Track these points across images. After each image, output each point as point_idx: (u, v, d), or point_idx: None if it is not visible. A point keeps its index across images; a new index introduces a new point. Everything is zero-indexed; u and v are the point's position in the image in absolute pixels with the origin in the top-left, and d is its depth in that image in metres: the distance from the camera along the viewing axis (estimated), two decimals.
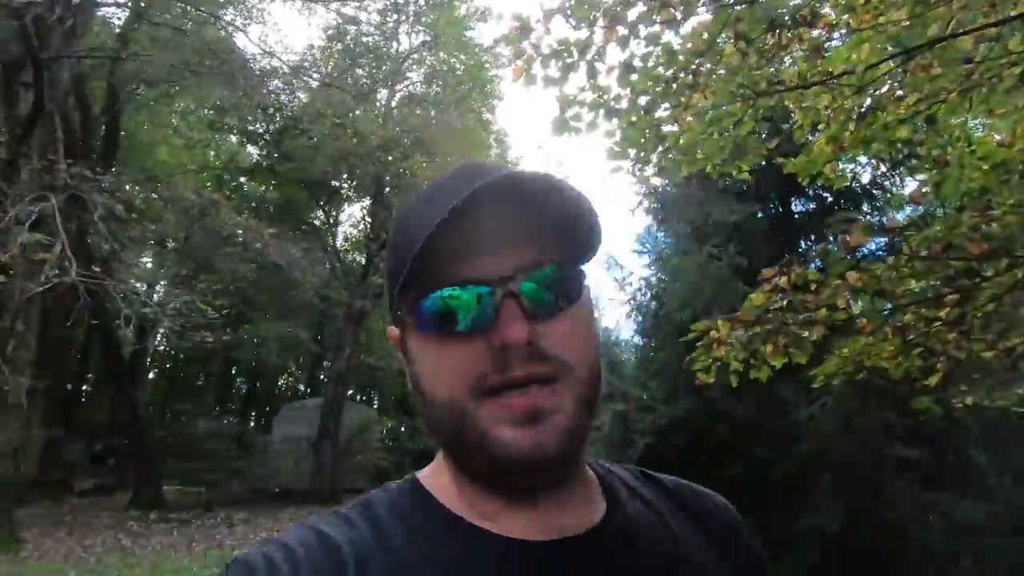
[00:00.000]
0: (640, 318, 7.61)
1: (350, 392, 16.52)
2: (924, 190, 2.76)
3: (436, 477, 0.58)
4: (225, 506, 13.43)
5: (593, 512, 0.56)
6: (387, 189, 15.82)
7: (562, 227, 0.53)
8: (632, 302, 7.44)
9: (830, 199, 6.94)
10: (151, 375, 29.46)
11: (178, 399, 26.55)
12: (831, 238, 7.06)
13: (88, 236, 9.96)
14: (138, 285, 9.96)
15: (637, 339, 8.37)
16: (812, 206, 7.27)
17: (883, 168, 7.04)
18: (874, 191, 7.07)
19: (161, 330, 12.27)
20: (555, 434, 0.49)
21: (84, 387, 26.16)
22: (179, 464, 14.23)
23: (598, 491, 0.59)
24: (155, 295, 10.44)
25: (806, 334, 2.27)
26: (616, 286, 7.37)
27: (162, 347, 25.54)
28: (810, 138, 3.74)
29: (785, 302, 2.28)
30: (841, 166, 3.84)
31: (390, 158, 14.28)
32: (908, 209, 6.18)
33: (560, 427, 0.49)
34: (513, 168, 0.53)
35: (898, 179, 7.22)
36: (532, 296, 0.50)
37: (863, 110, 3.13)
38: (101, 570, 7.39)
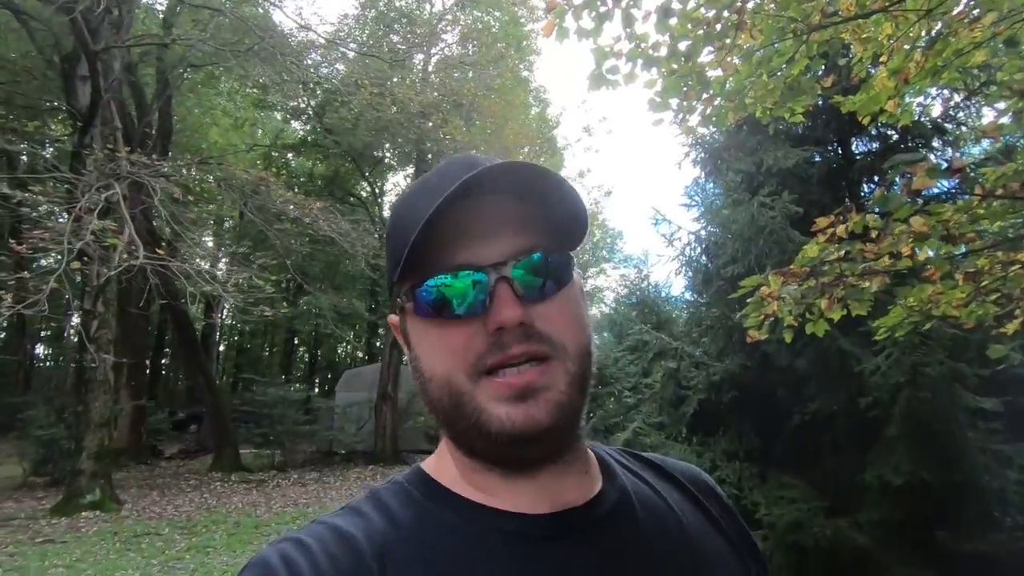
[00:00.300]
0: (690, 273, 7.40)
1: (406, 358, 17.00)
2: (1002, 121, 2.50)
3: (439, 464, 0.60)
4: (297, 468, 14.31)
5: (591, 485, 0.59)
6: (428, 156, 15.83)
7: (550, 216, 0.56)
8: (681, 257, 7.23)
9: (895, 137, 6.44)
10: (221, 348, 31.32)
11: (246, 370, 28.11)
12: (896, 180, 6.62)
13: (153, 220, 10.50)
14: (202, 264, 10.47)
15: (688, 295, 8.17)
16: (875, 146, 6.77)
17: (956, 99, 6.46)
18: (946, 125, 6.51)
19: (226, 306, 12.92)
20: (547, 408, 0.51)
21: (163, 361, 28.12)
22: (253, 430, 15.17)
23: (595, 466, 0.62)
24: (218, 273, 10.96)
25: (865, 285, 2.13)
26: (664, 242, 7.17)
27: (229, 322, 27.00)
28: (871, 72, 3.46)
29: (842, 252, 2.15)
30: (906, 100, 3.54)
31: (429, 124, 14.22)
32: (985, 143, 5.65)
33: (552, 402, 0.52)
34: (504, 160, 0.54)
35: (973, 110, 6.61)
36: (523, 281, 0.53)
37: (932, 36, 2.86)
38: (191, 526, 8.06)
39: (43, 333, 26.40)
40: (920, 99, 3.53)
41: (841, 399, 4.79)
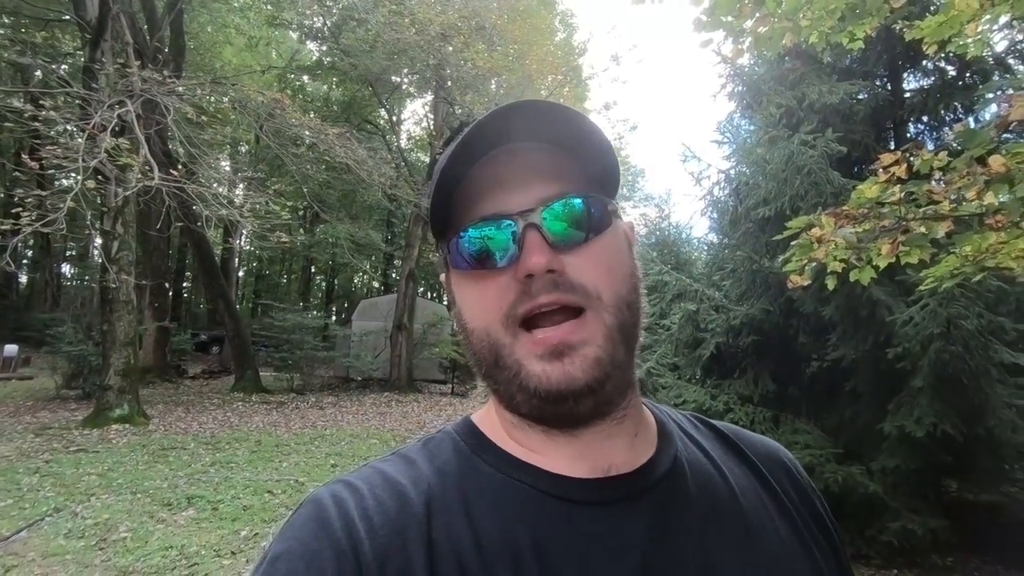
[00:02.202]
0: (715, 214, 7.14)
1: (421, 290, 17.14)
2: None
3: (488, 417, 0.60)
4: (315, 391, 14.79)
5: (644, 451, 0.57)
6: (448, 83, 15.21)
7: (584, 163, 0.55)
8: (708, 197, 6.95)
9: (952, 73, 5.95)
10: (241, 273, 31.82)
11: (265, 295, 28.64)
12: (948, 119, 6.18)
13: (168, 142, 10.33)
14: (218, 187, 10.37)
15: (712, 236, 7.93)
16: (928, 82, 6.29)
17: (1020, 35, 5.89)
18: (1009, 60, 5.98)
19: (244, 231, 12.93)
20: (583, 365, 0.50)
21: (185, 284, 28.71)
22: (272, 354, 15.59)
23: (652, 430, 0.60)
24: (236, 198, 10.87)
25: (928, 231, 1.95)
26: (692, 180, 6.86)
27: (248, 247, 27.25)
28: None
29: (904, 193, 1.96)
30: (980, 28, 3.19)
31: (450, 48, 13.56)
32: None
33: (590, 357, 0.50)
34: (530, 100, 0.51)
35: None
36: (554, 227, 0.52)
37: None
38: (215, 443, 8.41)
39: (68, 253, 26.93)
40: (996, 27, 3.16)
41: (866, 348, 4.68)
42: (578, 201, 0.53)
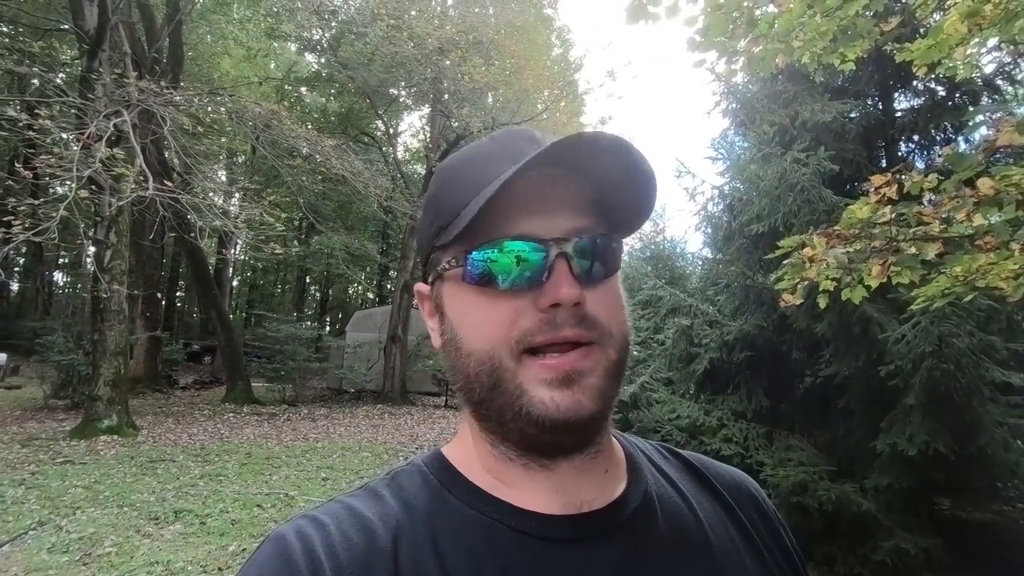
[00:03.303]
0: (710, 230, 7.19)
1: (415, 301, 17.13)
2: None
3: (459, 450, 0.59)
4: (307, 403, 14.67)
5: (615, 486, 0.56)
6: (445, 96, 15.31)
7: (612, 200, 0.54)
8: (703, 212, 6.99)
9: (942, 93, 6.04)
10: (235, 283, 31.69)
11: (259, 306, 28.49)
12: (938, 139, 6.26)
13: (164, 152, 10.33)
14: (214, 197, 10.35)
15: (706, 252, 7.97)
16: (918, 102, 6.38)
17: (1005, 57, 5.98)
18: (998, 82, 6.08)
19: (239, 242, 12.89)
20: (591, 395, 0.50)
21: (178, 293, 28.56)
22: (265, 364, 15.48)
23: (622, 465, 0.59)
24: (230, 208, 10.86)
25: (919, 252, 1.96)
26: (686, 196, 6.90)
27: (242, 257, 27.17)
28: (935, 18, 3.15)
29: (894, 215, 1.97)
30: (968, 51, 3.25)
31: (447, 62, 13.67)
32: None
33: (594, 389, 0.50)
34: (580, 133, 0.49)
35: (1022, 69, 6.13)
36: (582, 262, 0.51)
37: None
38: (205, 455, 8.31)
39: (61, 260, 26.77)
40: (984, 50, 3.22)
41: (859, 365, 4.69)
42: (606, 239, 0.53)
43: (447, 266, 0.54)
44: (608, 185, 0.53)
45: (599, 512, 0.54)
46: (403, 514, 0.52)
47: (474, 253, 0.51)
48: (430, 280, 0.58)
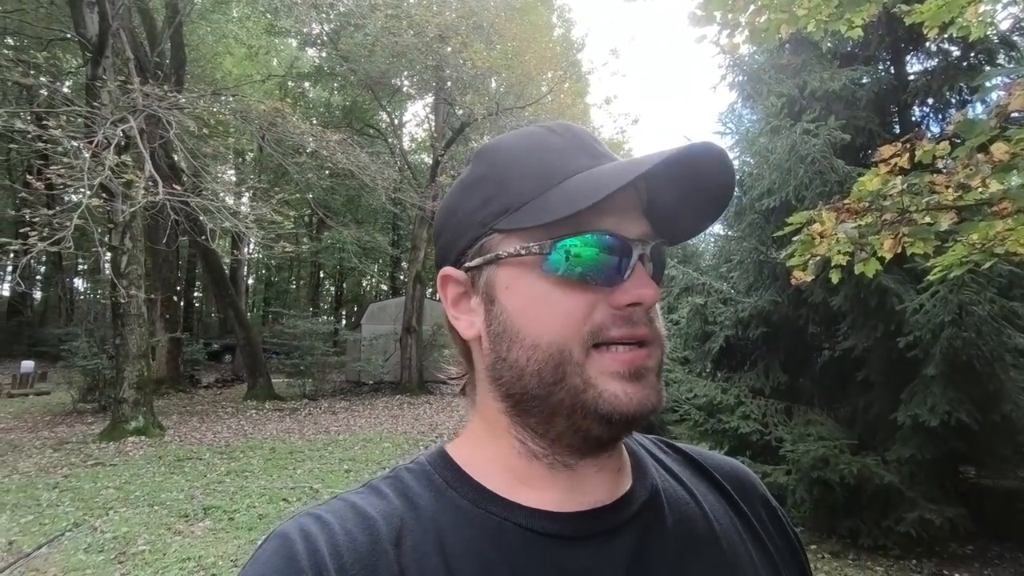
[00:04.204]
0: None
1: (429, 292, 17.16)
2: None
3: (466, 449, 0.58)
4: (327, 397, 14.87)
5: (622, 482, 0.56)
6: (448, 83, 15.20)
7: (677, 211, 0.56)
8: None
9: (956, 54, 5.86)
10: (250, 282, 32.05)
11: (275, 303, 28.81)
12: (953, 101, 6.08)
13: (172, 155, 10.40)
14: (224, 197, 10.43)
15: (718, 228, 7.87)
16: (931, 64, 6.19)
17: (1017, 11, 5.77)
18: (1015, 38, 5.87)
19: (251, 241, 13.00)
20: (655, 391, 0.51)
21: (195, 294, 28.96)
22: (284, 361, 15.68)
23: (627, 462, 0.59)
24: (241, 209, 10.94)
25: (933, 221, 1.91)
26: None
27: (256, 256, 27.43)
28: None
29: (905, 185, 1.92)
30: (982, 8, 3.14)
31: (448, 49, 13.55)
32: None
33: (655, 386, 0.51)
34: (686, 145, 0.49)
35: None
36: (651, 265, 0.54)
37: None
38: (230, 452, 8.48)
39: (80, 267, 27.26)
40: (999, 5, 3.11)
41: (877, 337, 4.63)
42: (665, 247, 0.56)
43: (520, 251, 0.51)
44: (674, 197, 0.55)
45: (608, 508, 0.53)
46: (407, 512, 0.52)
47: (566, 241, 0.50)
48: (471, 264, 0.55)
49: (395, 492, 0.54)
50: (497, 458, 0.55)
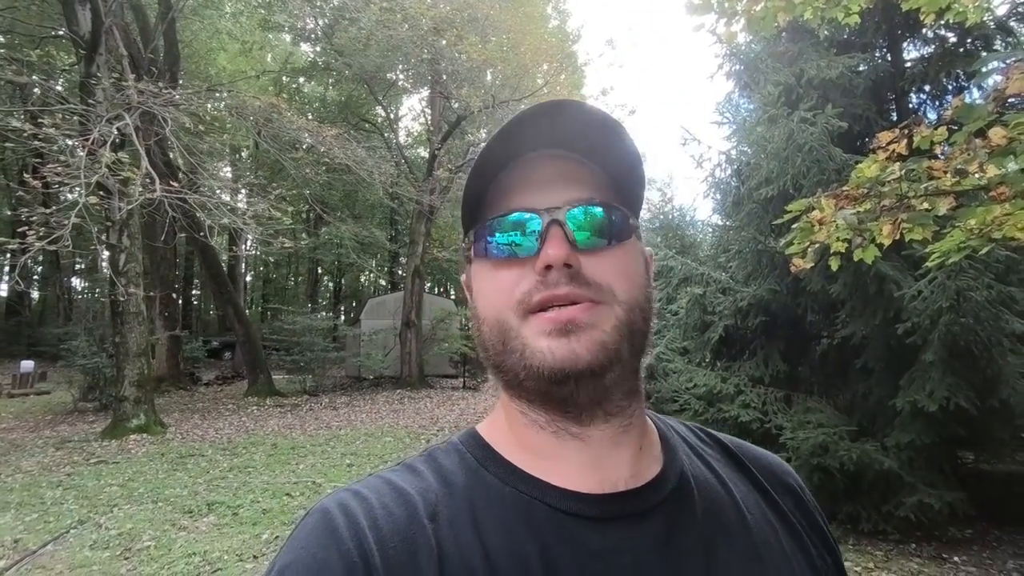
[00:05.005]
0: (719, 196, 7.09)
1: (428, 286, 17.16)
2: None
3: (493, 428, 0.60)
4: (327, 392, 14.90)
5: (651, 466, 0.57)
6: (443, 77, 15.13)
7: (612, 174, 0.58)
8: (710, 179, 6.90)
9: (953, 40, 5.85)
10: (248, 278, 32.01)
11: (273, 299, 28.79)
12: (950, 88, 6.08)
13: (168, 152, 10.36)
14: (220, 194, 10.40)
15: (716, 218, 7.88)
16: (928, 51, 6.18)
17: None
18: (1011, 24, 5.86)
19: (249, 237, 12.96)
20: (588, 346, 0.50)
21: (194, 292, 28.92)
22: (284, 357, 15.69)
23: (657, 444, 0.60)
24: (238, 205, 10.90)
25: (930, 207, 1.92)
26: (693, 163, 6.81)
27: (254, 252, 27.38)
28: None
29: (903, 171, 1.93)
30: None
31: (443, 42, 13.48)
32: None
33: (596, 340, 0.51)
34: (570, 102, 0.54)
35: None
36: (578, 228, 0.54)
37: None
38: (232, 448, 8.50)
39: (78, 266, 27.19)
40: None
41: (875, 324, 4.65)
42: (600, 209, 0.55)
43: (466, 249, 0.60)
44: (601, 155, 0.57)
45: (636, 491, 0.54)
46: (441, 489, 0.53)
47: (477, 232, 0.57)
48: (466, 271, 0.62)
49: (429, 470, 0.56)
50: (512, 433, 0.57)
